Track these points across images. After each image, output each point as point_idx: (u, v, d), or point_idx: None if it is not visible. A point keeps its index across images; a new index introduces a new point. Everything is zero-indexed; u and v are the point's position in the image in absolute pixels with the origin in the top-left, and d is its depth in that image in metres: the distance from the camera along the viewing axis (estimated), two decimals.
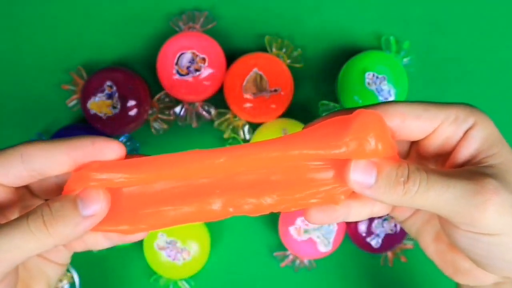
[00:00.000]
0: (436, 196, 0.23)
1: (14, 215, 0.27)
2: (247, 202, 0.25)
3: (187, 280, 0.44)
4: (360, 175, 0.24)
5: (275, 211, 0.25)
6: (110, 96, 0.41)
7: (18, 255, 0.23)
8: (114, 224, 0.25)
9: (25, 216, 0.23)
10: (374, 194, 0.24)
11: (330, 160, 0.25)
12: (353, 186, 0.24)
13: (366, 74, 0.41)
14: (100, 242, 0.28)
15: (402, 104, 0.25)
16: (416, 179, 0.24)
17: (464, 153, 0.25)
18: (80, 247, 0.28)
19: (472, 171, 0.24)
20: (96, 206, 0.23)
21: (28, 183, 0.25)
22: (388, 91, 0.41)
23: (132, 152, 0.45)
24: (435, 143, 0.26)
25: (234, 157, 0.24)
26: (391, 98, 0.41)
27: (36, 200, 0.28)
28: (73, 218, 0.23)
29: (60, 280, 0.45)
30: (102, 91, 0.41)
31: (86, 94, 0.42)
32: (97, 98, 0.41)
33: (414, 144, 0.28)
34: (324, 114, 0.28)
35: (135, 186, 0.25)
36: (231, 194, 0.25)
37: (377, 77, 0.41)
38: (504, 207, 0.23)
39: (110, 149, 0.24)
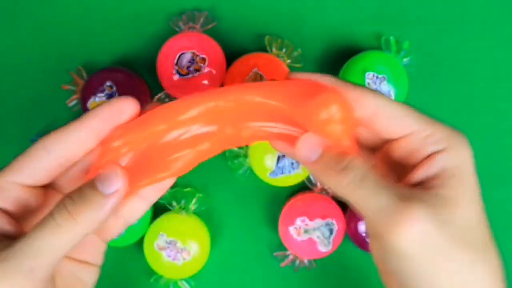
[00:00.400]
0: (363, 197, 0.24)
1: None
2: (248, 126, 0.27)
3: (187, 280, 0.44)
4: (306, 149, 0.25)
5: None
6: (110, 96, 0.41)
7: (53, 254, 0.22)
8: (149, 176, 0.26)
9: (50, 213, 0.23)
10: (313, 170, 0.25)
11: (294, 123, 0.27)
12: (298, 156, 0.26)
13: (366, 74, 0.41)
14: (136, 208, 0.27)
15: (382, 99, 0.26)
16: (351, 173, 0.24)
17: (420, 174, 0.25)
18: (118, 226, 0.28)
19: (413, 193, 0.24)
20: (116, 182, 0.23)
21: (58, 173, 0.24)
22: (388, 91, 0.41)
23: None
24: (402, 150, 0.26)
25: (231, 99, 0.27)
26: (391, 98, 0.41)
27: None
28: (96, 200, 0.23)
29: None
30: (102, 91, 0.41)
31: (86, 94, 0.42)
32: (97, 98, 0.41)
33: (387, 143, 0.28)
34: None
35: (156, 138, 0.26)
36: (235, 122, 0.27)
37: (377, 77, 0.41)
38: (419, 238, 0.23)
39: (127, 106, 0.24)
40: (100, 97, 0.41)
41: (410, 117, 0.26)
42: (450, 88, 0.45)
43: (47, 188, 0.26)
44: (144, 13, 0.45)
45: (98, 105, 0.25)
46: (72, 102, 0.44)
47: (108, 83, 0.41)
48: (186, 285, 0.44)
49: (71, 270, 0.27)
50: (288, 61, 0.43)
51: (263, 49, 0.43)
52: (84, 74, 0.44)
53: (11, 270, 0.21)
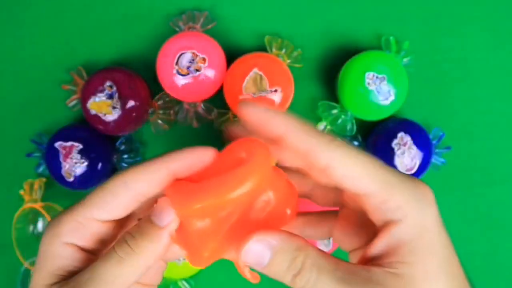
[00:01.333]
0: None
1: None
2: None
3: (187, 280, 0.44)
4: (253, 257, 0.24)
5: None
6: (110, 96, 0.41)
7: (117, 286, 0.23)
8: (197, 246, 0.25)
9: (112, 248, 0.23)
10: (267, 273, 0.24)
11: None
12: (246, 264, 0.24)
13: (366, 74, 0.41)
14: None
15: (338, 154, 0.23)
16: (304, 276, 0.23)
17: (376, 248, 0.24)
18: (172, 256, 0.28)
19: (369, 277, 0.23)
20: (169, 214, 0.24)
21: (133, 208, 0.25)
22: (388, 91, 0.41)
23: (132, 153, 0.45)
24: (363, 205, 0.25)
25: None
26: (391, 98, 0.41)
27: (133, 223, 0.28)
28: (154, 232, 0.23)
29: None
30: (102, 91, 0.41)
31: (86, 94, 0.42)
32: (97, 98, 0.41)
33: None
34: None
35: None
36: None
37: (377, 77, 0.41)
38: None
39: (208, 155, 0.25)
40: (100, 97, 0.41)
41: (366, 178, 0.23)
42: (450, 88, 0.45)
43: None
44: (144, 13, 0.45)
45: (182, 150, 0.25)
46: (72, 102, 0.44)
47: (108, 83, 0.41)
48: (186, 285, 0.44)
49: None
50: (288, 61, 0.43)
51: (263, 49, 0.43)
52: (84, 74, 0.44)
53: None
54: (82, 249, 0.24)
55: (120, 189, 0.24)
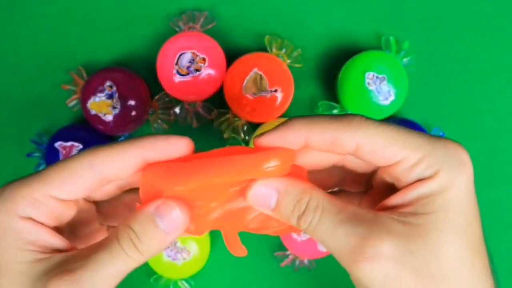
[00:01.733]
0: (322, 239, 0.23)
1: (67, 226, 0.26)
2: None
3: (187, 280, 0.44)
4: (260, 198, 0.24)
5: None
6: (110, 96, 0.41)
7: (119, 277, 0.23)
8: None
9: (116, 241, 0.23)
10: (274, 215, 0.25)
11: None
12: (253, 206, 0.25)
13: (366, 74, 0.41)
14: None
15: (362, 132, 0.23)
16: (308, 217, 0.23)
17: (396, 199, 0.24)
18: None
19: (374, 220, 0.23)
20: (176, 222, 0.23)
21: (95, 191, 0.25)
22: (388, 91, 0.41)
23: None
24: (390, 177, 0.25)
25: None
26: (391, 98, 0.41)
27: (89, 204, 0.28)
28: (158, 236, 0.23)
29: None
30: (102, 91, 0.41)
31: (86, 94, 0.42)
32: (97, 98, 0.41)
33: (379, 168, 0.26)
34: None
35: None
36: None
37: (377, 77, 0.41)
38: (381, 276, 0.22)
39: (182, 145, 0.24)
40: (100, 97, 0.41)
41: (395, 146, 0.23)
42: (450, 88, 0.45)
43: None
44: (144, 13, 0.45)
45: (156, 137, 0.24)
46: (72, 102, 0.44)
47: (108, 83, 0.41)
48: (186, 285, 0.44)
49: None
50: (288, 61, 0.43)
51: (263, 49, 0.43)
52: (84, 74, 0.44)
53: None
54: (42, 224, 0.23)
55: (85, 171, 0.23)
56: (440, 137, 0.24)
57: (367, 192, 0.28)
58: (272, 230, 0.26)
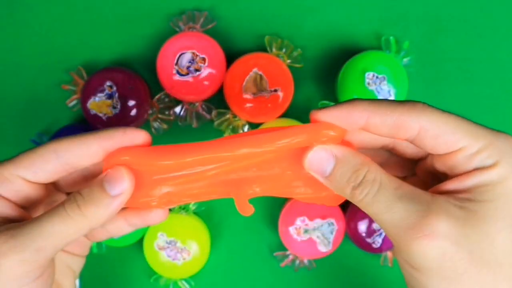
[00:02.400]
0: (378, 212, 0.23)
1: (40, 211, 0.28)
2: (253, 188, 0.27)
3: (187, 280, 0.44)
4: (317, 163, 0.24)
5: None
6: (110, 96, 0.41)
7: (60, 240, 0.24)
8: (136, 199, 0.26)
9: (62, 204, 0.24)
10: (327, 184, 0.25)
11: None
12: (309, 170, 0.25)
13: (366, 74, 0.41)
14: (122, 228, 0.29)
15: (426, 117, 0.23)
16: (364, 189, 0.23)
17: (455, 184, 0.24)
18: (103, 236, 0.30)
19: (431, 201, 0.23)
20: (122, 184, 0.25)
21: (60, 177, 0.26)
22: (388, 91, 0.41)
23: None
24: (446, 165, 0.25)
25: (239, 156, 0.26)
26: (391, 98, 0.41)
27: (61, 195, 0.29)
28: (103, 199, 0.24)
29: None
30: (102, 91, 0.41)
31: (86, 94, 0.42)
32: (97, 98, 0.41)
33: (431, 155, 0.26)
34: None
35: (160, 170, 0.27)
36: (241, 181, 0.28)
37: (377, 77, 0.41)
38: (436, 255, 0.22)
39: (139, 137, 0.26)
40: (100, 97, 0.41)
41: (458, 133, 0.24)
42: (450, 88, 0.45)
43: (47, 184, 0.27)
44: (144, 13, 0.45)
45: (115, 129, 0.26)
46: (72, 102, 0.44)
47: (108, 83, 0.41)
48: (186, 285, 0.44)
49: (62, 259, 0.30)
50: (288, 61, 0.43)
51: (263, 49, 0.43)
52: (84, 74, 0.44)
53: (20, 246, 0.23)
54: (5, 199, 0.25)
55: (50, 156, 0.25)
56: (499, 131, 0.25)
57: (408, 179, 0.28)
58: (312, 197, 0.27)
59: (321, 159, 0.25)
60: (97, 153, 0.25)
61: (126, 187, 0.25)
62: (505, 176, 0.23)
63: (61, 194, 0.30)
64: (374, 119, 0.24)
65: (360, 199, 0.23)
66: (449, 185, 0.24)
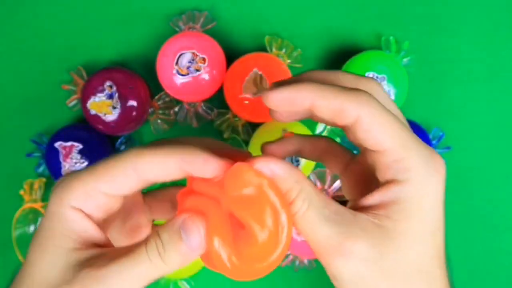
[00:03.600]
0: (304, 229, 0.24)
1: (116, 222, 0.28)
2: None
3: (187, 280, 0.44)
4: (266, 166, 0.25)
5: None
6: (110, 96, 0.41)
7: (142, 282, 0.24)
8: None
9: (143, 246, 0.24)
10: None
11: None
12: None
13: (366, 74, 0.41)
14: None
15: (367, 109, 0.24)
16: (296, 206, 0.24)
17: (373, 199, 0.25)
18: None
19: (354, 220, 0.24)
20: (198, 238, 0.24)
21: (138, 189, 0.25)
22: (388, 91, 0.41)
23: None
24: (373, 162, 0.25)
25: None
26: (391, 98, 0.41)
27: (137, 198, 0.29)
28: (181, 249, 0.24)
29: None
30: (102, 91, 0.41)
31: (86, 94, 0.42)
32: (97, 98, 0.41)
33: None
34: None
35: None
36: None
37: (377, 77, 0.41)
38: (353, 273, 0.24)
39: (215, 168, 0.25)
40: (100, 97, 0.41)
41: (388, 134, 0.24)
42: (450, 88, 0.45)
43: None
44: (144, 13, 0.45)
45: (197, 154, 0.25)
46: (72, 102, 0.44)
47: (108, 83, 0.41)
48: (186, 285, 0.44)
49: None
50: (288, 61, 0.43)
51: (263, 49, 0.43)
52: (84, 74, 0.44)
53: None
54: (89, 217, 0.24)
55: (129, 170, 0.24)
56: (427, 145, 0.25)
57: (347, 169, 0.30)
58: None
59: (282, 100, 0.25)
60: (175, 173, 0.24)
61: (201, 242, 0.24)
62: (418, 193, 0.24)
63: (136, 197, 0.29)
64: (320, 101, 0.24)
65: (293, 213, 0.25)
66: (370, 199, 0.25)
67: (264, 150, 0.28)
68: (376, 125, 0.24)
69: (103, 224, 0.26)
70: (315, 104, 0.24)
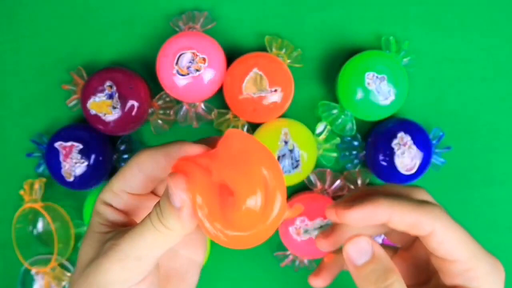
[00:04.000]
0: None
1: (142, 215, 0.30)
2: None
3: None
4: (355, 251, 0.28)
5: None
6: (110, 96, 0.41)
7: (156, 251, 0.26)
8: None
9: (148, 217, 0.26)
10: (353, 272, 0.28)
11: None
12: (345, 255, 0.28)
13: (366, 74, 0.41)
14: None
15: (440, 223, 0.27)
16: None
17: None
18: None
19: None
20: (180, 196, 0.25)
21: (154, 186, 0.29)
22: (388, 91, 0.41)
23: (132, 153, 0.45)
24: (438, 264, 0.28)
25: None
26: (391, 98, 0.41)
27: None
28: (173, 211, 0.25)
29: (62, 280, 0.45)
30: (102, 91, 0.41)
31: (86, 94, 0.42)
32: (97, 98, 0.41)
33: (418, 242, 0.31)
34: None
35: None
36: None
37: (377, 77, 0.41)
38: None
39: (193, 150, 0.27)
40: (100, 97, 0.41)
41: (459, 247, 0.27)
42: (450, 88, 0.45)
43: (150, 193, 0.30)
44: (144, 13, 0.45)
45: (173, 146, 0.27)
46: (72, 102, 0.44)
47: (108, 83, 0.41)
48: None
49: (182, 253, 0.31)
50: (288, 61, 0.43)
51: (263, 49, 0.43)
52: (84, 74, 0.44)
53: (122, 256, 0.26)
54: (117, 209, 0.29)
55: (134, 170, 0.27)
56: (489, 252, 0.29)
57: (403, 249, 0.32)
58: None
59: (361, 248, 0.28)
60: (166, 166, 0.27)
61: (184, 198, 0.25)
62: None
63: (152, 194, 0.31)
64: (395, 217, 0.27)
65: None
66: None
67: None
68: (449, 238, 0.27)
69: (133, 211, 0.29)
70: (392, 219, 0.27)
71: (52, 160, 0.42)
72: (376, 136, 0.43)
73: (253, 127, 0.44)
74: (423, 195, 0.30)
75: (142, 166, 0.27)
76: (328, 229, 0.32)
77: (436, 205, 0.28)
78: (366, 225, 0.28)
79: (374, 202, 0.27)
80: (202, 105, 0.44)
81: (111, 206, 0.28)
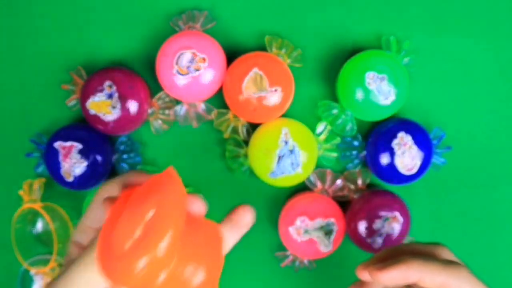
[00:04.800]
0: None
1: None
2: None
3: None
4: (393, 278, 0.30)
5: None
6: (109, 96, 0.41)
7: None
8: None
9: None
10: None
11: None
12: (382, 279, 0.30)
13: (366, 74, 0.41)
14: None
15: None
16: None
17: None
18: None
19: None
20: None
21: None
22: (388, 90, 0.41)
23: (131, 153, 0.45)
24: None
25: None
26: (392, 98, 0.41)
27: None
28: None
29: None
30: (102, 91, 0.41)
31: (86, 94, 0.42)
32: (96, 98, 0.41)
33: None
34: None
35: None
36: None
37: (377, 77, 0.41)
38: None
39: (141, 179, 0.29)
40: (99, 97, 0.41)
41: None
42: (450, 87, 0.44)
43: None
44: (144, 13, 0.44)
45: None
46: (72, 102, 0.44)
47: (107, 83, 0.41)
48: None
49: None
50: (288, 61, 0.43)
51: (263, 49, 0.43)
52: (84, 74, 0.44)
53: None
54: (80, 245, 0.30)
55: (96, 210, 0.29)
56: None
57: None
58: None
59: (393, 279, 0.30)
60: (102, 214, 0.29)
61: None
62: None
63: None
64: (426, 278, 0.29)
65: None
66: None
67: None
68: None
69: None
70: (423, 279, 0.29)
71: (51, 160, 0.42)
72: (377, 136, 0.43)
73: (253, 127, 0.44)
74: (448, 255, 0.32)
75: (100, 202, 0.28)
76: (357, 284, 0.35)
77: (463, 266, 0.30)
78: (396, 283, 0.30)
79: (406, 263, 0.30)
80: (202, 105, 0.44)
81: (78, 244, 0.30)
